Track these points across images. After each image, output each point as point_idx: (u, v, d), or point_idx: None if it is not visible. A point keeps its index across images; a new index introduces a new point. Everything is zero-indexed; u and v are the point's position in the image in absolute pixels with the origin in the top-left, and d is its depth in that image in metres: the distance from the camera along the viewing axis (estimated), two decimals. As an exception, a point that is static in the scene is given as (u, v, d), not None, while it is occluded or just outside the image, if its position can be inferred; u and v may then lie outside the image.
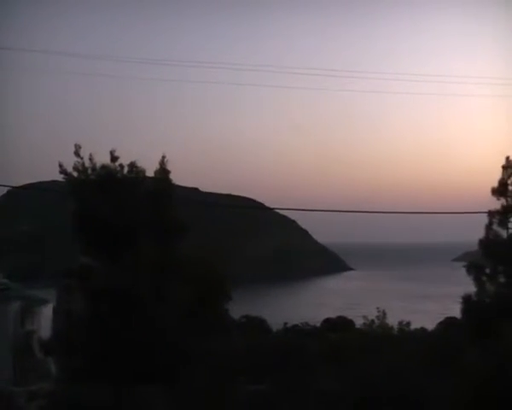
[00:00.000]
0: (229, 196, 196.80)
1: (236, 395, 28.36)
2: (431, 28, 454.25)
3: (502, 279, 42.96)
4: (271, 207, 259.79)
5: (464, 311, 42.29)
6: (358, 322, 47.16)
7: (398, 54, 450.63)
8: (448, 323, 52.16)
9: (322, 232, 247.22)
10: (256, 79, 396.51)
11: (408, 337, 41.03)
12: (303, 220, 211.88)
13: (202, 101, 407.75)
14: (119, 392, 24.23)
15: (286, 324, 54.97)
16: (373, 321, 40.61)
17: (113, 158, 25.71)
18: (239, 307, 43.47)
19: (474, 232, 45.14)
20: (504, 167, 44.61)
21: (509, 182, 44.07)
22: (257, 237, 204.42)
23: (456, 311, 45.46)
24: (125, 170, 25.73)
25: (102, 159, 25.50)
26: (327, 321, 61.72)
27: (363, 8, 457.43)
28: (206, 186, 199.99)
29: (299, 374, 31.82)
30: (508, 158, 44.98)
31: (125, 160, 25.76)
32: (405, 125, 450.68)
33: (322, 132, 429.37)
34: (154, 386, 24.86)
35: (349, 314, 67.34)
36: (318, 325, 59.00)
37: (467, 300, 42.10)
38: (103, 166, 25.58)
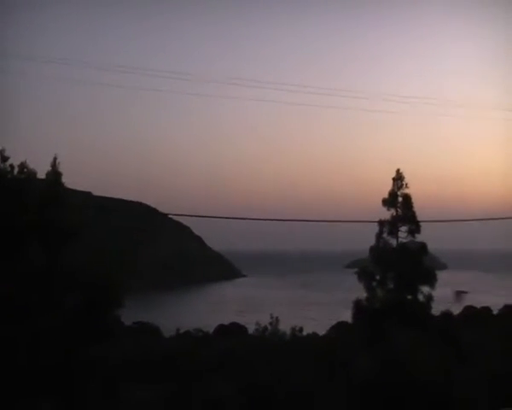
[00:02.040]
0: (121, 200, 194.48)
1: (124, 403, 27.85)
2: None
3: (391, 285, 44.06)
4: (165, 212, 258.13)
5: (355, 315, 43.14)
6: (251, 328, 47.23)
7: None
8: (339, 327, 52.99)
9: (215, 239, 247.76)
10: (156, 84, 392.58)
11: (300, 342, 41.38)
12: (197, 227, 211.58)
13: (97, 103, 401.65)
14: (4, 407, 23.37)
15: (178, 330, 54.56)
16: (266, 327, 40.74)
17: (3, 158, 24.92)
18: (132, 314, 42.84)
19: (365, 241, 46.15)
20: (395, 179, 45.85)
21: (398, 193, 45.29)
22: (150, 243, 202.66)
23: (347, 316, 46.24)
24: (16, 171, 24.96)
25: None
26: (220, 327, 61.63)
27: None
28: (100, 190, 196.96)
29: (188, 380, 31.59)
30: (398, 170, 46.21)
31: (16, 161, 25.05)
32: (309, 138, 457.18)
33: (221, 140, 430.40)
34: (43, 398, 24.10)
35: (242, 320, 67.42)
36: (211, 331, 58.84)
37: (357, 305, 42.95)
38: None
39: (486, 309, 60.33)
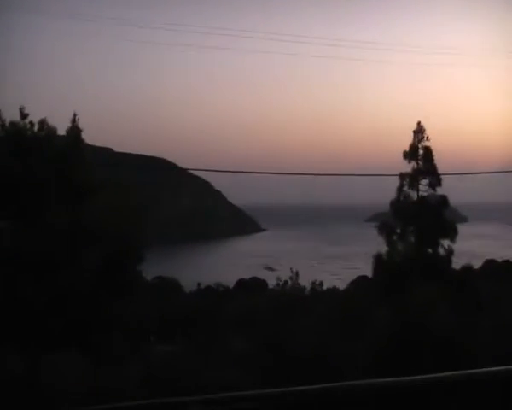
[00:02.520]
0: (141, 156, 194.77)
1: (148, 356, 28.16)
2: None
3: (411, 239, 43.98)
4: (185, 167, 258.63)
5: (375, 270, 43.16)
6: (272, 283, 47.46)
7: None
8: (360, 282, 53.13)
9: (236, 194, 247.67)
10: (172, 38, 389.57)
11: (321, 297, 41.54)
12: (217, 182, 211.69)
13: (116, 59, 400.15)
14: (31, 359, 23.70)
15: (199, 285, 54.94)
16: (286, 282, 40.89)
17: (23, 115, 24.91)
18: (152, 269, 43.13)
19: (386, 194, 46.02)
20: (415, 132, 45.57)
21: (419, 146, 45.02)
22: (170, 198, 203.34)
23: (367, 270, 46.32)
24: (36, 128, 24.96)
25: (12, 116, 24.72)
26: (240, 282, 61.98)
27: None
28: (120, 146, 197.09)
29: (211, 335, 31.81)
30: (419, 123, 45.94)
31: (35, 117, 25.01)
32: (322, 87, 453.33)
33: (242, 94, 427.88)
34: (68, 352, 24.41)
35: (262, 275, 67.76)
36: (231, 286, 59.19)
37: (378, 259, 42.96)
38: (12, 124, 24.76)
39: (507, 262, 60.17)
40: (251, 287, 56.39)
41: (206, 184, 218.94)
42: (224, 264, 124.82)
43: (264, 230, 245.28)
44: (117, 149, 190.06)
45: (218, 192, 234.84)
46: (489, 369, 3.98)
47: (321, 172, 38.73)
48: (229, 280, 62.18)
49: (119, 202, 25.72)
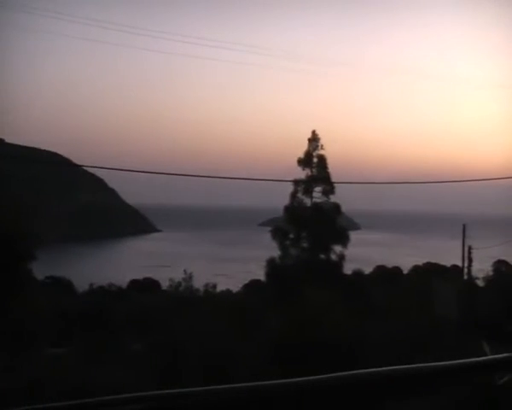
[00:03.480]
0: (34, 149, 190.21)
1: (37, 360, 27.55)
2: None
3: (304, 244, 44.75)
4: (79, 164, 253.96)
5: (268, 273, 43.70)
6: (165, 284, 47.31)
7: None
8: (253, 285, 53.55)
9: (130, 192, 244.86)
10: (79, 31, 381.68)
11: (214, 299, 41.66)
12: (111, 179, 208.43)
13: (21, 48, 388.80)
14: None
15: (92, 285, 54.16)
16: (179, 283, 40.87)
17: None
18: (44, 268, 42.24)
19: (281, 199, 46.68)
20: (310, 140, 46.46)
21: (314, 154, 45.90)
22: (62, 194, 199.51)
23: (261, 274, 46.80)
24: None
25: None
26: (133, 282, 61.44)
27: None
28: (13, 138, 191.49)
29: (103, 336, 31.43)
30: (314, 132, 46.88)
31: None
32: (218, 92, 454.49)
33: (140, 92, 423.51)
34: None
35: (155, 276, 67.36)
36: (124, 286, 58.58)
37: (271, 263, 43.52)
38: None
39: (397, 269, 61.88)
40: (144, 287, 56.01)
41: (99, 182, 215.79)
42: (118, 264, 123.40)
43: (159, 230, 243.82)
44: (9, 140, 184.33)
45: (113, 190, 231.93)
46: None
47: (219, 175, 38.92)
48: (123, 280, 61.52)
49: (9, 196, 25.10)
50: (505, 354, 5.11)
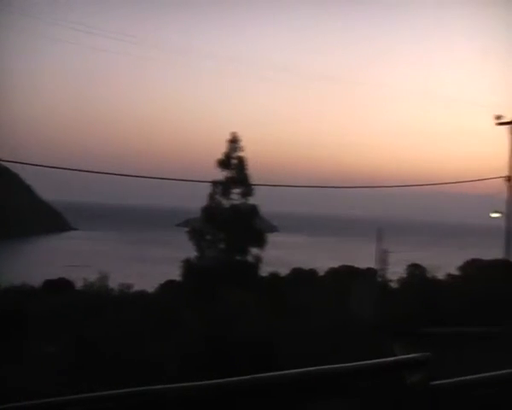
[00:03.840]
0: None
1: None
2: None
3: (221, 246, 44.73)
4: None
5: (185, 274, 43.52)
6: (79, 284, 46.56)
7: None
8: (169, 285, 53.19)
9: (47, 190, 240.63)
10: None
11: (129, 299, 41.24)
12: (27, 175, 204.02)
13: None
14: None
15: (2, 285, 52.90)
16: (94, 283, 40.31)
17: None
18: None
19: (198, 200, 46.54)
20: (230, 141, 46.45)
21: (233, 156, 45.92)
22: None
23: (177, 274, 46.52)
24: None
25: None
26: (47, 283, 60.24)
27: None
28: None
29: (13, 338, 30.73)
30: (234, 133, 46.88)
31: None
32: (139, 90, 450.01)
33: (62, 86, 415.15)
34: None
35: (70, 275, 66.20)
36: (37, 286, 57.38)
37: (187, 264, 43.35)
38: None
39: (313, 271, 62.40)
40: (58, 287, 54.96)
41: (14, 177, 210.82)
42: (31, 263, 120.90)
43: (75, 229, 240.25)
44: None
45: (29, 187, 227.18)
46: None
47: (138, 174, 38.56)
48: (36, 280, 60.25)
49: None
50: (415, 354, 5.18)
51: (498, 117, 44.55)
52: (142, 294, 50.13)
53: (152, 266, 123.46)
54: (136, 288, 49.10)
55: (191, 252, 44.85)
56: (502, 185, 43.03)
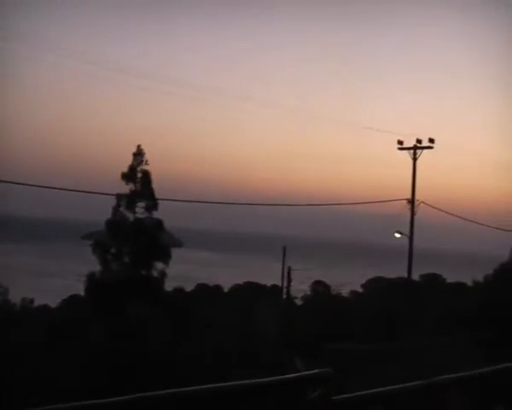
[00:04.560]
0: None
1: None
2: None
3: (126, 260, 44.20)
4: None
5: (88, 289, 42.76)
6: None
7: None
8: (72, 300, 52.23)
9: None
10: None
11: (31, 314, 40.33)
12: None
13: None
14: None
15: None
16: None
17: None
18: None
19: (104, 213, 45.87)
20: (135, 155, 46.07)
21: (138, 169, 45.53)
22: None
23: (81, 288, 45.67)
24: None
25: None
26: None
27: None
28: None
29: None
30: (139, 146, 46.54)
31: None
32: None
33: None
34: None
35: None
36: None
37: (91, 278, 42.61)
38: None
39: (218, 287, 62.47)
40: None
41: None
42: None
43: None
44: None
45: None
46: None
47: (45, 185, 37.76)
48: None
49: None
50: (316, 370, 5.22)
51: (400, 142, 45.87)
52: (44, 309, 49.10)
53: (55, 280, 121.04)
54: (39, 302, 48.05)
55: (95, 266, 44.15)
56: (405, 207, 44.08)
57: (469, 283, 56.20)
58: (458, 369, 7.50)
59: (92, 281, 41.84)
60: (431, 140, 45.01)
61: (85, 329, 32.90)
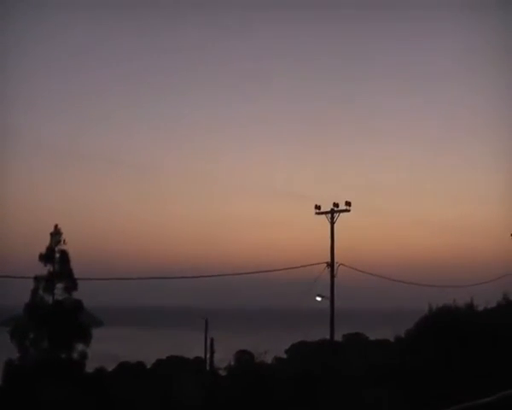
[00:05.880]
0: None
1: None
2: None
3: (45, 344, 43.40)
4: None
5: (6, 377, 41.70)
6: None
7: None
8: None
9: None
10: None
11: None
12: None
13: None
14: None
15: None
16: None
17: None
18: None
19: (23, 296, 45.05)
20: (52, 234, 45.49)
21: (56, 249, 44.92)
22: None
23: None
24: None
25: None
26: None
27: None
28: None
29: None
30: (56, 226, 45.97)
31: None
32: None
33: None
34: None
35: None
36: None
37: (9, 366, 41.65)
38: None
39: (140, 364, 61.67)
40: None
41: None
42: None
43: None
44: None
45: None
46: None
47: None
48: None
49: None
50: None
51: (318, 207, 46.29)
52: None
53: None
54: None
55: (14, 353, 43.24)
56: (324, 270, 44.56)
57: (391, 339, 57.18)
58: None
59: (10, 369, 41.00)
60: (347, 203, 45.70)
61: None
